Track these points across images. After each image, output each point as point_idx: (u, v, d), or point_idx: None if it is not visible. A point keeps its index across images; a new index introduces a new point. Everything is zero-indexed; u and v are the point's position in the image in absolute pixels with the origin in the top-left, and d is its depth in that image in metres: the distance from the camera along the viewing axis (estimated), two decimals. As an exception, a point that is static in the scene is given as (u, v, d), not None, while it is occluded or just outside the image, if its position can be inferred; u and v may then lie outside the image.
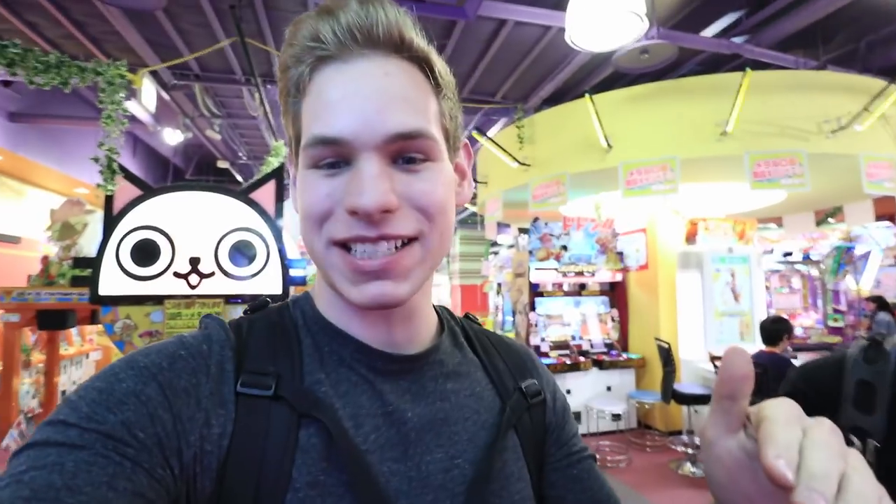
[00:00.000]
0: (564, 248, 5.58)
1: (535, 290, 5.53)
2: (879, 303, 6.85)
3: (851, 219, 5.54)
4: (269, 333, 0.45)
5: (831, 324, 7.01)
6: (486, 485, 0.44)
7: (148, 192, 2.33)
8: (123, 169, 2.27)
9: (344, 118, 0.39)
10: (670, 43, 3.16)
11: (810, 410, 0.57)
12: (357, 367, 0.44)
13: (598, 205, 5.58)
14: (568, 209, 5.44)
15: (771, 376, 2.95)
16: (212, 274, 2.35)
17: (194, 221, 2.36)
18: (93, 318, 2.52)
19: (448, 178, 0.44)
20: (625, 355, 5.37)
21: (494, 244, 12.26)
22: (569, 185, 4.10)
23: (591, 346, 5.42)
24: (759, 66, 3.42)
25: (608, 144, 3.80)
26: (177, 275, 2.31)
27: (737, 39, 3.56)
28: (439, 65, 0.44)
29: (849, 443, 0.52)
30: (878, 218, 5.31)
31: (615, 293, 5.83)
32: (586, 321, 5.63)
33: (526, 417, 0.51)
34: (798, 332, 6.06)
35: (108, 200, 2.29)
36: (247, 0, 2.97)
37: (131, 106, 4.09)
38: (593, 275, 5.65)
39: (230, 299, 2.38)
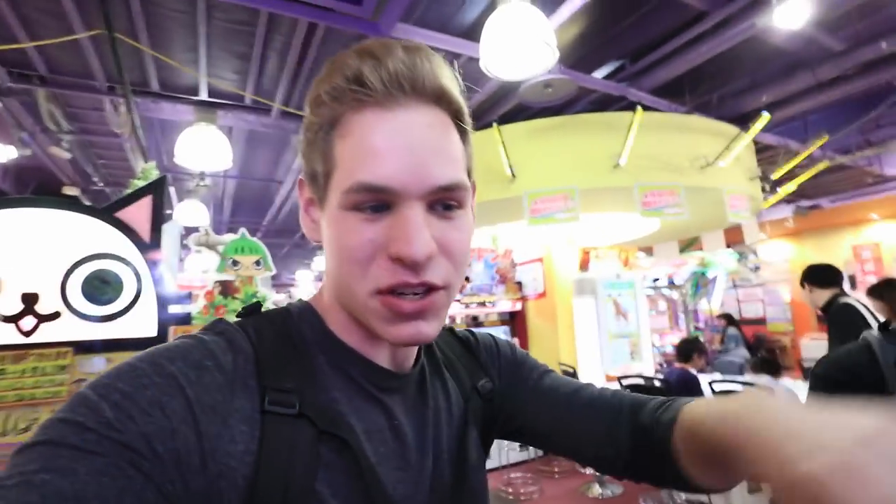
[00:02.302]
0: (466, 279, 5.57)
1: (439, 323, 5.41)
2: (728, 319, 7.95)
3: (708, 246, 6.34)
4: (279, 343, 0.45)
5: (694, 341, 7.89)
6: (462, 482, 0.50)
7: (-40, 208, 1.75)
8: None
9: (391, 168, 0.40)
10: (571, 79, 3.35)
11: (850, 394, 0.58)
12: (363, 384, 0.47)
13: (494, 237, 5.70)
14: (470, 239, 5.46)
15: (675, 389, 3.12)
16: (56, 315, 1.81)
17: (31, 247, 1.81)
18: None
19: (472, 224, 0.46)
20: (529, 383, 5.42)
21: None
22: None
23: (497, 376, 5.38)
24: (641, 108, 3.77)
25: (513, 174, 3.87)
26: (2, 318, 1.73)
27: (622, 83, 3.90)
28: (467, 111, 0.46)
29: None
30: (727, 245, 6.17)
31: (515, 322, 5.94)
32: (490, 351, 5.60)
33: (479, 413, 0.57)
34: (669, 349, 6.66)
35: None
36: (116, -13, 2.49)
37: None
38: (494, 304, 5.71)
39: (83, 347, 1.84)
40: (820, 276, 2.92)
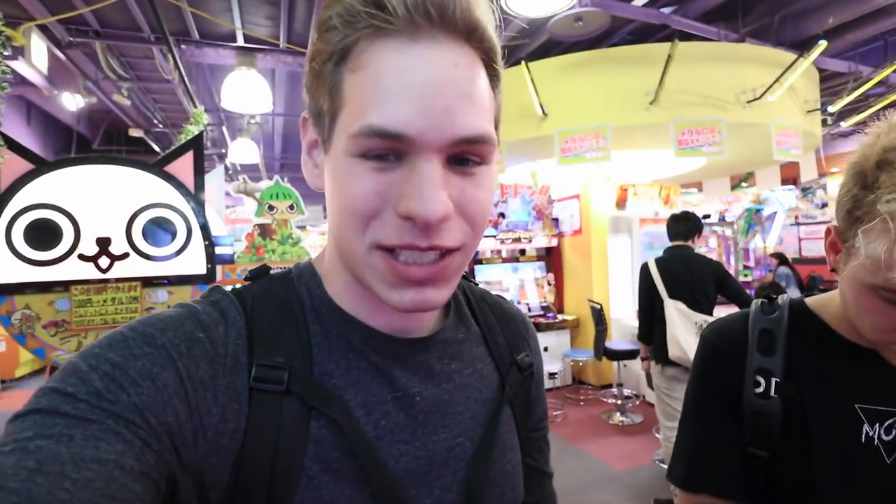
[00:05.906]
0: (502, 215, 5.65)
1: (474, 258, 5.60)
2: (780, 258, 7.63)
3: (761, 183, 6.00)
4: (276, 312, 0.43)
5: (742, 279, 7.67)
6: (485, 460, 0.46)
7: (41, 165, 2.07)
8: (7, 139, 1.99)
9: (409, 112, 0.34)
10: (603, 11, 3.18)
11: (723, 359, 0.66)
12: (366, 351, 0.44)
13: (534, 172, 5.67)
14: (505, 176, 5.49)
15: None
16: (125, 255, 2.15)
17: (101, 198, 2.13)
18: (-13, 309, 2.25)
19: (492, 181, 0.41)
20: (560, 317, 5.60)
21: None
22: (506, 153, 4.12)
23: (529, 309, 5.60)
24: (685, 37, 3.53)
25: (544, 112, 3.82)
26: (83, 257, 2.09)
27: (665, 10, 3.64)
28: (499, 52, 0.40)
29: (756, 384, 0.61)
30: (783, 182, 5.81)
31: (550, 258, 6.03)
32: (524, 286, 5.79)
33: (519, 389, 0.53)
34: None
35: (-7, 176, 2.01)
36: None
37: (18, 66, 3.58)
38: (530, 241, 5.80)
39: (149, 282, 2.20)
40: (672, 228, 2.89)
